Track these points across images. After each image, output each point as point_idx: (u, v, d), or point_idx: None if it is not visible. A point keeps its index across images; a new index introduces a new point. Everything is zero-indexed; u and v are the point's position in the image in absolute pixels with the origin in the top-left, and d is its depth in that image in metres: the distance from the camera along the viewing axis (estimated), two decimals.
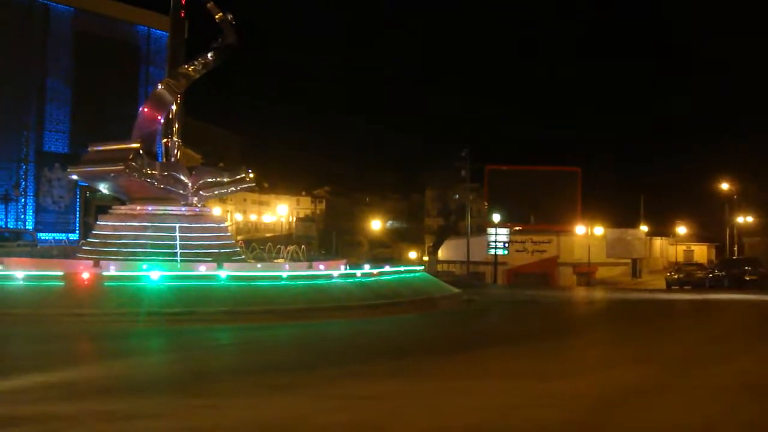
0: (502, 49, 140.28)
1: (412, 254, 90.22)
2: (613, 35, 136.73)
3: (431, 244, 78.55)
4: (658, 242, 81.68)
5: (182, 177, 26.65)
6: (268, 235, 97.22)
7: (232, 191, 32.49)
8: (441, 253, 71.17)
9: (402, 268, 28.83)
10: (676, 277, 51.75)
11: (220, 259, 24.49)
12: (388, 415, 9.13)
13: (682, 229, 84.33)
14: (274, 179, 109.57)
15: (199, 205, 27.32)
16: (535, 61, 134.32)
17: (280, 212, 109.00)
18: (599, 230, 70.02)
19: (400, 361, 13.14)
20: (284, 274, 22.80)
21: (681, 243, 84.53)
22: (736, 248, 72.63)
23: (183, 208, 26.32)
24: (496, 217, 54.79)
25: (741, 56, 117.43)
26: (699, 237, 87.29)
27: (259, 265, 25.59)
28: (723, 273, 45.81)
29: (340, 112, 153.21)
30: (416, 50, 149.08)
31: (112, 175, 26.07)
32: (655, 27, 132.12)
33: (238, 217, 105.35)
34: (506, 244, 51.77)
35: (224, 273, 21.67)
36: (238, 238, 42.65)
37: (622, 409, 9.40)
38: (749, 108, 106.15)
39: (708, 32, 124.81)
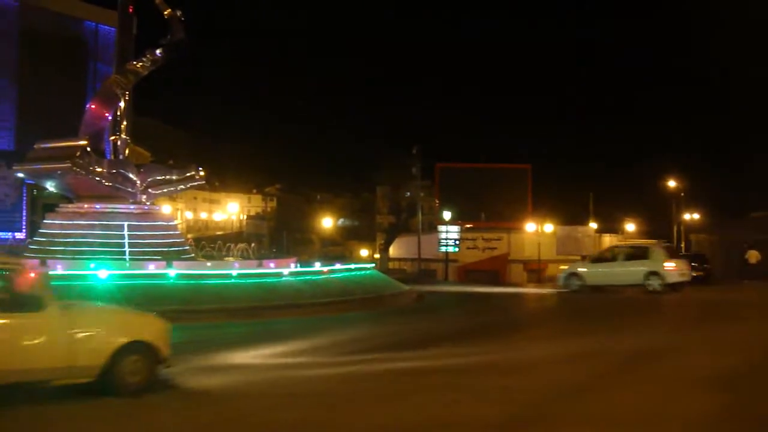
0: (451, 47, 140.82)
1: (364, 252, 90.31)
2: (564, 32, 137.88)
3: (382, 242, 78.84)
4: (607, 239, 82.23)
5: (131, 175, 26.42)
6: (218, 233, 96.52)
7: (181, 189, 32.27)
8: (392, 251, 71.23)
9: (353, 266, 28.87)
10: None
11: (169, 257, 24.32)
12: (334, 411, 9.14)
13: (630, 226, 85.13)
14: (225, 177, 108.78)
15: (148, 203, 27.11)
16: (485, 60, 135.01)
17: (230, 210, 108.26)
18: (549, 227, 70.40)
19: (350, 358, 13.13)
20: (234, 273, 22.71)
21: (630, 239, 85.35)
22: (683, 245, 73.63)
23: (131, 206, 26.09)
24: (447, 215, 54.88)
25: (687, 55, 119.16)
26: (647, 234, 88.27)
27: (208, 264, 25.48)
28: None
29: (292, 110, 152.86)
30: (367, 50, 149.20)
31: (58, 172, 25.75)
32: (604, 23, 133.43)
33: (188, 215, 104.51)
34: (457, 242, 51.89)
35: (173, 272, 21.52)
36: (188, 236, 42.28)
37: (564, 401, 9.48)
38: (697, 107, 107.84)
39: (650, 27, 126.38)
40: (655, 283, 31.44)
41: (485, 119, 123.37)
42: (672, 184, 76.43)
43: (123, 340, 10.44)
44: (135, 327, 11.05)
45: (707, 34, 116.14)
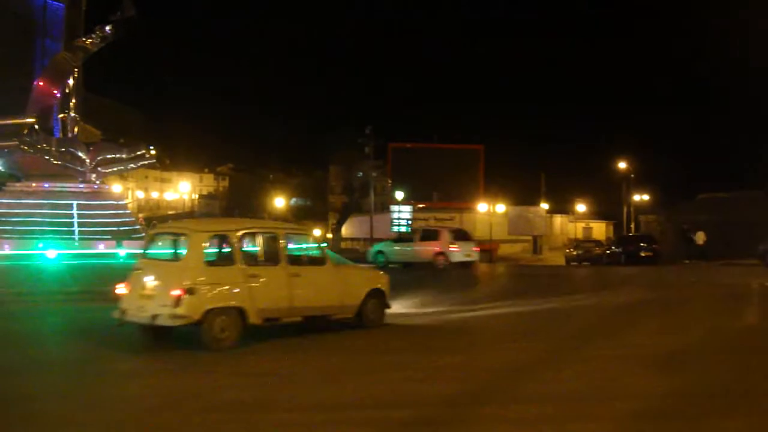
0: (406, 28, 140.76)
1: (316, 232, 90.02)
2: (517, 11, 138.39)
3: (335, 222, 78.85)
4: (558, 219, 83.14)
5: (80, 153, 26.18)
6: (170, 212, 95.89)
7: (132, 168, 32.06)
8: (345, 231, 71.35)
9: (304, 246, 28.83)
10: (574, 253, 52.80)
11: (119, 237, 24.15)
12: (284, 389, 9.19)
13: (581, 207, 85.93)
14: (177, 156, 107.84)
15: (98, 182, 26.89)
16: (440, 41, 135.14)
17: (182, 189, 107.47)
18: (501, 207, 71.00)
19: (301, 338, 13.16)
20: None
21: (580, 220, 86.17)
22: (633, 225, 74.55)
23: (81, 185, 25.87)
24: (400, 195, 55.10)
25: (644, 32, 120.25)
26: (598, 214, 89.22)
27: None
28: (619, 249, 46.90)
29: (246, 89, 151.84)
30: (321, 29, 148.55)
31: (5, 150, 25.45)
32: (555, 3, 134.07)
33: (140, 194, 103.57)
34: (410, 222, 52.07)
35: (123, 251, 21.40)
36: (139, 215, 41.98)
37: (515, 379, 9.62)
38: (647, 93, 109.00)
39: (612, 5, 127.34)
40: (442, 262, 34.13)
41: (439, 100, 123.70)
42: (622, 165, 77.17)
43: (369, 287, 14.40)
44: (374, 279, 15.05)
45: (666, 18, 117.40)
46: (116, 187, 39.99)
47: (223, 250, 12.98)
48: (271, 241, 13.34)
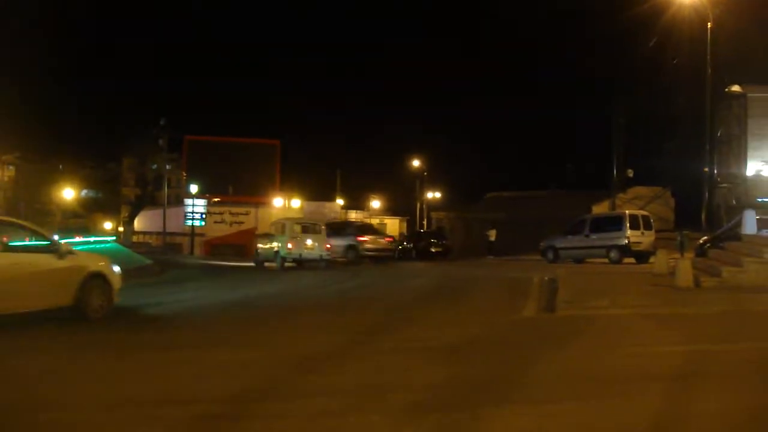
0: (203, 21, 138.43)
1: (108, 225, 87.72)
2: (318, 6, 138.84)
3: (127, 215, 76.71)
4: (353, 215, 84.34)
5: None
6: None
7: None
8: (138, 224, 69.54)
9: (92, 239, 28.03)
10: None
11: None
12: (64, 390, 8.87)
13: (376, 203, 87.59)
14: None
15: None
16: (236, 33, 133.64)
17: None
18: (296, 203, 71.35)
19: (77, 336, 12.74)
20: None
21: (375, 216, 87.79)
22: (425, 222, 76.79)
23: None
24: (194, 188, 54.33)
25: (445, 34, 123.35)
26: (392, 211, 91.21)
27: None
28: (411, 245, 48.12)
29: (34, 74, 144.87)
30: (115, 17, 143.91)
31: None
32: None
33: None
34: (204, 215, 51.46)
35: None
36: None
37: (302, 373, 9.66)
38: (437, 90, 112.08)
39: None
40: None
41: (236, 93, 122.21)
42: (416, 163, 79.15)
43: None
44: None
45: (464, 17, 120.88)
46: None
47: None
48: None
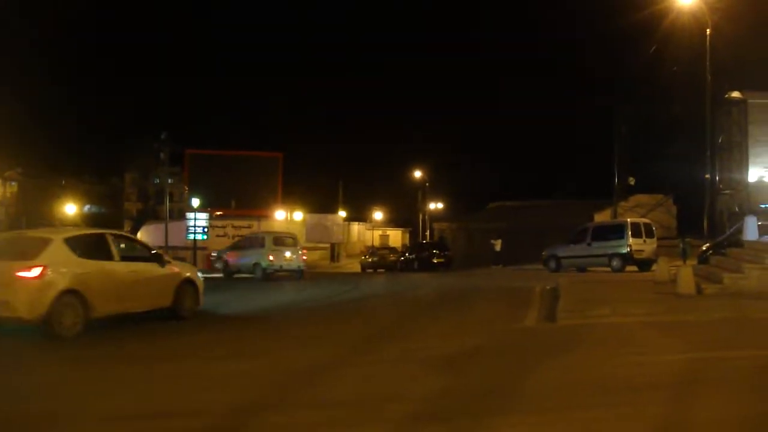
0: (203, 33, 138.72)
1: None
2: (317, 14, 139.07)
3: (129, 229, 76.69)
4: (356, 227, 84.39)
5: None
6: None
7: None
8: (140, 239, 69.55)
9: None
10: (370, 260, 53.78)
11: None
12: (62, 401, 8.85)
13: (378, 215, 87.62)
14: None
15: None
16: (237, 46, 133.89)
17: None
18: (299, 215, 71.41)
19: (67, 350, 12.75)
20: None
21: (377, 228, 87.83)
22: (427, 233, 76.70)
23: None
24: (195, 202, 54.30)
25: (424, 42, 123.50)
26: (394, 222, 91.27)
27: None
28: (413, 256, 48.16)
29: (35, 90, 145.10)
30: (114, 31, 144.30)
31: None
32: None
33: None
34: (206, 229, 51.34)
35: None
36: None
37: (294, 387, 9.63)
38: (437, 101, 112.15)
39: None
40: None
41: (238, 106, 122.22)
42: (418, 174, 79.10)
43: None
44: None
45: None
46: None
47: None
48: None
